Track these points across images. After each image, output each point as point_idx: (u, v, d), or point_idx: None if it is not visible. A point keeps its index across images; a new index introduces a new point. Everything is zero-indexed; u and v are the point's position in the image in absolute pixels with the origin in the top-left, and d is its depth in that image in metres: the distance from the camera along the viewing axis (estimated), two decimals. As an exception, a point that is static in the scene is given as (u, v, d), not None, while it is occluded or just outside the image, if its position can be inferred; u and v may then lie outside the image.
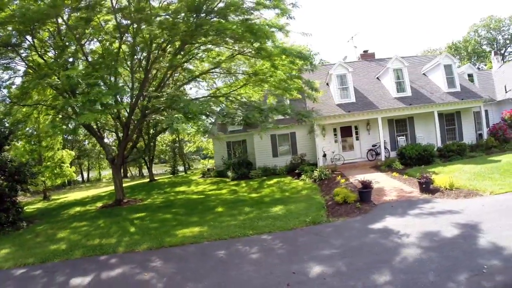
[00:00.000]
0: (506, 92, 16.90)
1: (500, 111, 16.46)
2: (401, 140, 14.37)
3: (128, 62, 10.62)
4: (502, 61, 21.16)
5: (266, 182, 13.14)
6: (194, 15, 8.24)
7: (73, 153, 17.37)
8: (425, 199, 7.02)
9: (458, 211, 5.64)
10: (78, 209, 11.82)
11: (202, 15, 8.42)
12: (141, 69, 11.78)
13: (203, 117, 6.84)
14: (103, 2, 9.39)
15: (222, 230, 6.15)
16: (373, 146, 14.05)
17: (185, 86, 19.34)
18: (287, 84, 11.60)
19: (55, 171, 15.29)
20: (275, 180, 13.32)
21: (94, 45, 12.44)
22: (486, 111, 17.25)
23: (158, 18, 7.85)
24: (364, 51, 17.83)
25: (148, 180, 20.43)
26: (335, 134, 14.62)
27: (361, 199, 7.31)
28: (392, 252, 4.26)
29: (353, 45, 24.20)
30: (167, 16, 7.94)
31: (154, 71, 12.82)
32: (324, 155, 13.88)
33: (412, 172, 10.61)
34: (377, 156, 13.82)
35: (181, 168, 26.31)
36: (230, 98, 10.69)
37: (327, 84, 15.34)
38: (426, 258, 3.95)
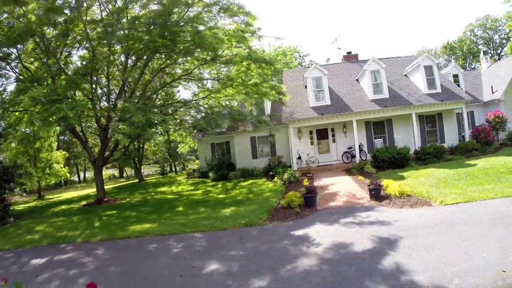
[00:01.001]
0: (492, 92, 17.23)
1: (487, 112, 16.82)
2: (378, 143, 15.16)
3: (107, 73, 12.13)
4: (492, 61, 21.24)
5: (240, 184, 14.34)
6: (157, 29, 9.53)
7: (64, 153, 19.20)
8: (369, 206, 7.31)
9: (390, 223, 5.78)
10: (63, 207, 13.49)
11: (165, 27, 9.74)
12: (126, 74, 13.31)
13: (152, 127, 8.09)
14: (79, 16, 10.92)
15: (167, 227, 7.44)
16: (348, 148, 14.93)
17: (175, 88, 20.93)
18: (256, 88, 12.78)
19: (47, 171, 17.16)
20: (250, 181, 14.49)
21: (82, 52, 14.14)
22: (471, 112, 17.72)
23: (122, 32, 9.20)
24: (347, 53, 18.63)
25: (137, 180, 22.17)
26: (311, 137, 15.60)
27: (306, 204, 8.00)
28: (290, 260, 4.61)
29: (337, 46, 25.17)
30: (131, 31, 9.27)
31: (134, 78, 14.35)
32: (299, 157, 14.91)
33: (381, 176, 11.08)
34: (353, 159, 14.69)
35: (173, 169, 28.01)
36: (189, 105, 11.97)
37: (306, 86, 16.31)
38: (315, 270, 4.15)
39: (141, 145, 21.68)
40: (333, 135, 15.61)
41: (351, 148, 14.83)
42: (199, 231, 6.91)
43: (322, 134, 15.57)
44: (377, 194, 8.00)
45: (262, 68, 11.89)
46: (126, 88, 12.91)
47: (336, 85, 16.01)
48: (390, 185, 8.30)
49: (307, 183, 11.49)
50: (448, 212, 6.04)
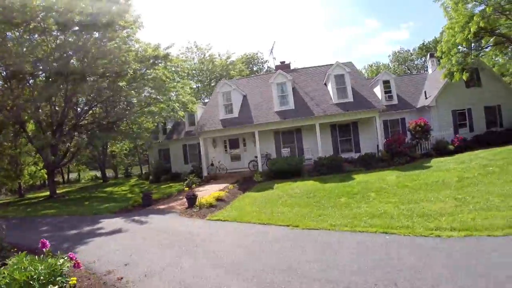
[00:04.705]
0: (426, 98, 21.34)
1: (413, 119, 21.12)
2: (285, 152, 21.00)
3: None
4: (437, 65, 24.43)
5: (160, 186, 21.79)
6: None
7: (32, 158, 28.95)
8: (170, 211, 11.71)
9: (147, 222, 10.26)
10: (26, 201, 22.61)
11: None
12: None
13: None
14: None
15: (59, 212, 15.14)
16: (255, 157, 21.13)
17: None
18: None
19: (19, 173, 26.95)
20: (170, 184, 21.82)
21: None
22: (403, 119, 22.17)
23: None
24: (281, 62, 24.40)
25: (101, 181, 31.34)
26: (225, 145, 22.19)
27: (143, 203, 13.78)
28: (67, 229, 10.49)
29: (273, 56, 31.00)
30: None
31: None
32: (212, 164, 21.68)
33: (258, 186, 16.10)
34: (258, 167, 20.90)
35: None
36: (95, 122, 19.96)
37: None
38: (65, 236, 11.48)
39: (105, 151, 30.71)
40: (244, 144, 21.94)
41: (256, 157, 21.01)
42: (69, 215, 14.33)
43: (234, 143, 22.04)
44: (191, 202, 11.67)
45: (159, 90, 19.24)
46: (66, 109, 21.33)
47: (252, 97, 22.20)
48: (205, 196, 12.27)
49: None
50: (185, 225, 9.21)
